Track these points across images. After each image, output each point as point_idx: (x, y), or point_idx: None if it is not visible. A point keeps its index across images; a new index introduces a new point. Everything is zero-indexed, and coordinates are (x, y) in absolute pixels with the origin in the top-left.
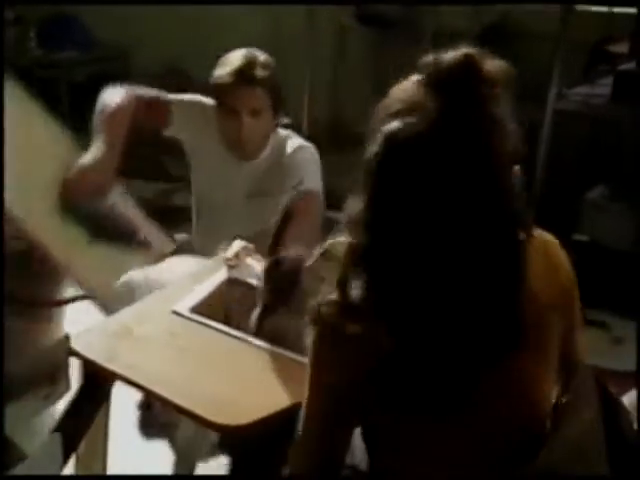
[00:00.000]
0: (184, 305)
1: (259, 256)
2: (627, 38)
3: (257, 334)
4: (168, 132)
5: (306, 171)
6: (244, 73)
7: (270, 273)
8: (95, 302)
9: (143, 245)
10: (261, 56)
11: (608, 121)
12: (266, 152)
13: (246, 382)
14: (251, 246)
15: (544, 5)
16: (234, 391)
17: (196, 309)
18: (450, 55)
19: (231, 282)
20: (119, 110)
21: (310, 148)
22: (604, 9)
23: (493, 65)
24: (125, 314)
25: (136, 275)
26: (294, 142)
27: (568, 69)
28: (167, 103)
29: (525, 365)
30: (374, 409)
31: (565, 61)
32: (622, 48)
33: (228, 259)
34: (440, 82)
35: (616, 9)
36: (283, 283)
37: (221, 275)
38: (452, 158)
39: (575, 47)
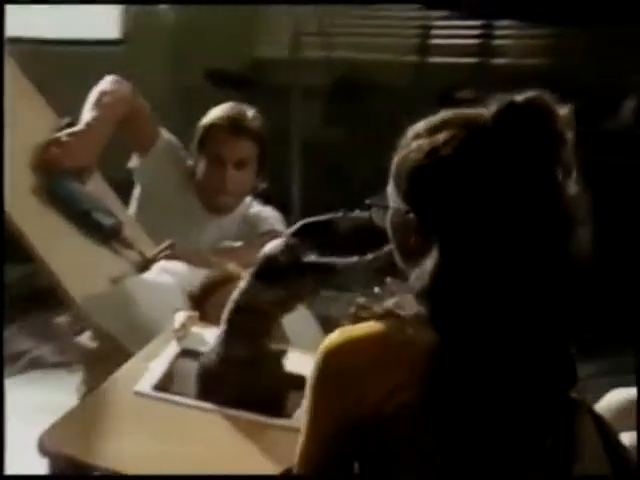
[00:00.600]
0: (145, 385)
1: (205, 323)
2: (471, 85)
3: None
4: (134, 163)
5: (276, 221)
6: (236, 122)
7: None
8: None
9: (126, 244)
10: (249, 109)
11: None
12: (238, 210)
13: (231, 454)
14: (196, 314)
15: (393, 57)
16: (222, 466)
17: (159, 386)
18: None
19: (184, 353)
20: (121, 98)
21: (273, 211)
22: (452, 60)
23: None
24: (87, 402)
25: (131, 283)
26: (259, 206)
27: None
28: (157, 130)
29: None
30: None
31: (417, 110)
32: (468, 95)
33: (176, 331)
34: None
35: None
36: None
37: (173, 348)
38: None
39: (424, 95)
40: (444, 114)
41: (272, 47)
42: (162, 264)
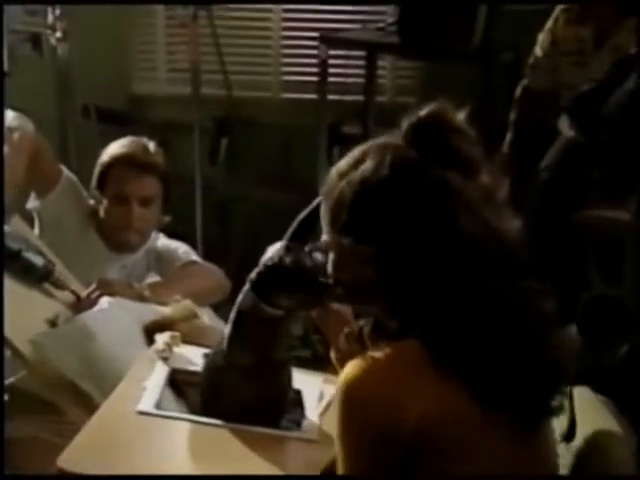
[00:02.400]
0: (147, 404)
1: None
2: (356, 121)
3: None
4: (33, 203)
5: (190, 253)
6: (140, 158)
7: None
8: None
9: (59, 284)
10: (150, 143)
11: None
12: (143, 248)
13: (246, 468)
14: (177, 334)
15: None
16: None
17: (160, 405)
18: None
19: (176, 372)
20: (27, 134)
21: (181, 243)
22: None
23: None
24: (94, 425)
25: (85, 318)
26: (165, 239)
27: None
28: (60, 168)
29: None
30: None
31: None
32: (355, 130)
33: (161, 351)
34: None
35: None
36: None
37: (162, 369)
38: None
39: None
40: (360, 147)
41: (149, 83)
42: (107, 299)
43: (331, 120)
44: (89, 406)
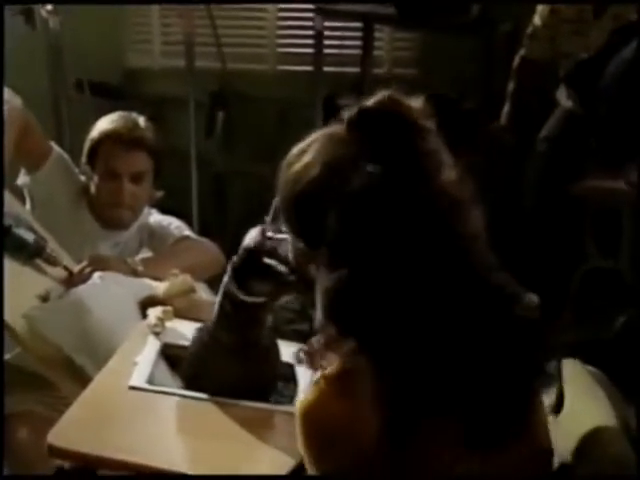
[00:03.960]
0: (139, 379)
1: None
2: (353, 94)
3: None
4: (24, 179)
5: (184, 228)
6: (130, 133)
7: None
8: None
9: (51, 260)
10: (140, 118)
11: None
12: (136, 224)
13: (237, 442)
14: (170, 309)
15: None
16: (240, 457)
17: (151, 380)
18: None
19: (167, 347)
20: (15, 109)
21: (174, 218)
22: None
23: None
24: (85, 400)
25: (80, 292)
26: (158, 215)
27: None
28: (49, 144)
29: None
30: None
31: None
32: (348, 101)
33: (153, 325)
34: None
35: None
36: None
37: (153, 343)
38: (406, 203)
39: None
40: (310, 136)
41: (144, 56)
42: (100, 274)
43: (327, 93)
44: (83, 380)
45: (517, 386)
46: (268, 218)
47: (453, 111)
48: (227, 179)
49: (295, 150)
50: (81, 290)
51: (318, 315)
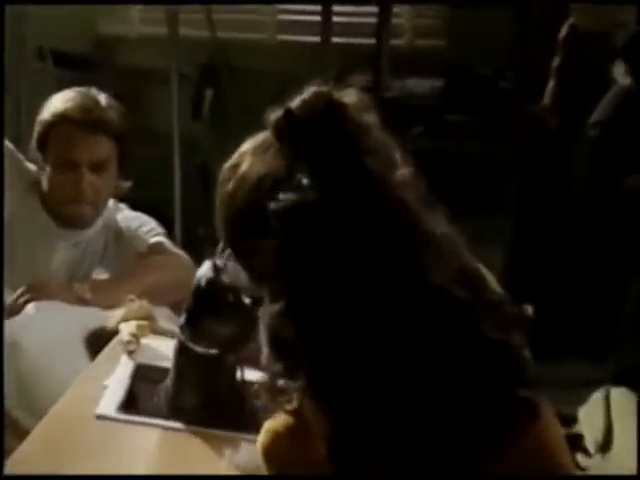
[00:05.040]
0: (108, 406)
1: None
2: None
3: None
4: None
5: (156, 230)
6: (89, 114)
7: None
8: None
9: None
10: (101, 95)
11: None
12: (100, 221)
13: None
14: (145, 323)
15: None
16: None
17: (123, 407)
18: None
19: (143, 368)
20: None
21: (147, 217)
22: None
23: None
24: (46, 427)
25: (11, 326)
26: (128, 211)
27: None
28: None
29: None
30: None
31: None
32: (365, 80)
33: (126, 343)
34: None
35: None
36: None
37: (126, 364)
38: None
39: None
40: (242, 147)
41: (118, 23)
42: (36, 305)
43: (336, 68)
44: (20, 434)
45: (480, 429)
46: (219, 246)
47: (485, 90)
48: (216, 168)
49: (227, 165)
50: (11, 326)
51: (264, 352)
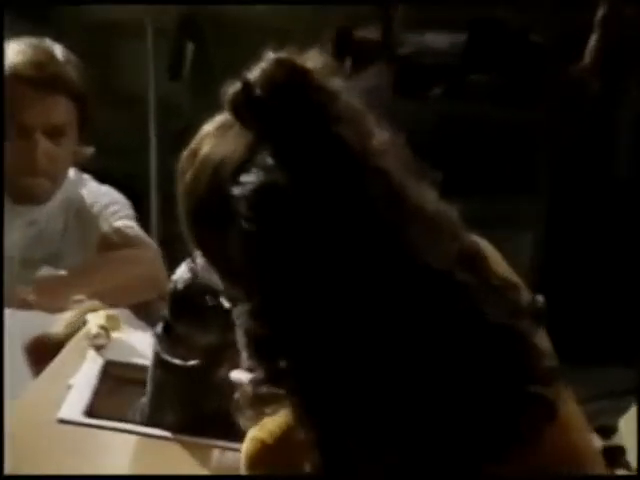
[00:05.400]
0: (72, 409)
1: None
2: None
3: None
4: None
5: (123, 208)
6: (42, 70)
7: None
8: None
9: None
10: (57, 47)
11: None
12: (59, 195)
13: None
14: (115, 313)
15: None
16: None
17: (89, 411)
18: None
19: (112, 366)
20: None
21: (117, 193)
22: None
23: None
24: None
25: None
26: (92, 183)
27: None
28: None
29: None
30: None
31: None
32: (372, 35)
33: (94, 336)
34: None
35: None
36: None
37: (94, 361)
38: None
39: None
40: (202, 130)
41: None
42: None
43: (339, 22)
44: None
45: (483, 428)
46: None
47: (514, 46)
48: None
49: (185, 153)
50: None
51: (244, 357)
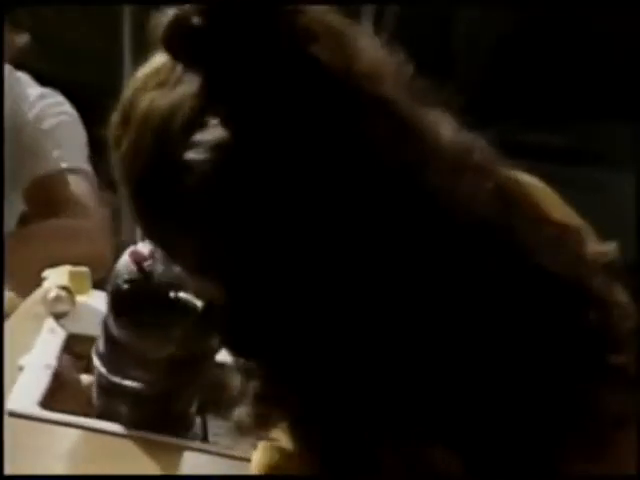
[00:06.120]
0: (23, 399)
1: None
2: None
3: None
4: None
5: (63, 138)
6: None
7: None
8: None
9: None
10: None
11: None
12: None
13: None
14: (83, 271)
15: None
16: None
17: (46, 402)
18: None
19: (75, 340)
20: None
21: (62, 102)
22: None
23: None
24: None
25: None
26: (35, 91)
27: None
28: None
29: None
30: None
31: None
32: None
33: (53, 301)
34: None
35: None
36: None
37: (53, 333)
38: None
39: None
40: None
41: None
42: None
43: None
44: None
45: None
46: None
47: None
48: None
49: (116, 114)
50: None
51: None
